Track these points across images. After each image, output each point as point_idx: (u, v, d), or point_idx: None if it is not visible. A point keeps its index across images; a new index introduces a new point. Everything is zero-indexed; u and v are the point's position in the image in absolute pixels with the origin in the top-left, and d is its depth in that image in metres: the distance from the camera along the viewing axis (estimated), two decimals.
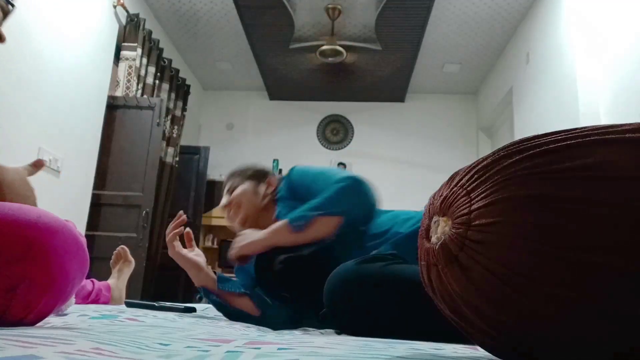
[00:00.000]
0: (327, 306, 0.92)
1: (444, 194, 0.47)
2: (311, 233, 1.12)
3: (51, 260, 0.56)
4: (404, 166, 5.38)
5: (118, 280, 1.90)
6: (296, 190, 1.30)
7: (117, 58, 3.58)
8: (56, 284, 0.57)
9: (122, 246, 2.04)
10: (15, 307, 0.55)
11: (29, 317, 0.57)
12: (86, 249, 0.64)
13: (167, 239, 1.25)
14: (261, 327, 0.93)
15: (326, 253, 1.14)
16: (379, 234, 1.14)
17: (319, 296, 1.14)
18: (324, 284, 1.10)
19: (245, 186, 1.38)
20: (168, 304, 1.28)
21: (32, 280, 0.55)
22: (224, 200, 1.40)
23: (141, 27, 3.63)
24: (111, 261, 2.00)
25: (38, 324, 0.64)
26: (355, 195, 1.14)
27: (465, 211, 0.43)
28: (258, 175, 1.41)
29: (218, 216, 5.19)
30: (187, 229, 1.27)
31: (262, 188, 1.39)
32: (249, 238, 1.18)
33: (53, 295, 0.58)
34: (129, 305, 1.29)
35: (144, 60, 3.67)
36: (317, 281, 1.14)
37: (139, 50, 3.58)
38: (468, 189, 0.44)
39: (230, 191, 1.40)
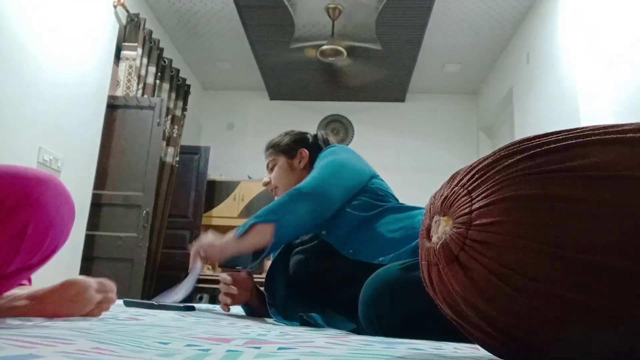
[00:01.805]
0: (365, 310, 0.88)
1: (445, 194, 0.47)
2: (249, 240, 1.14)
3: (47, 205, 0.62)
4: (405, 166, 5.38)
5: None
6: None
7: (118, 58, 3.58)
8: (55, 226, 0.64)
9: None
10: (25, 250, 0.61)
11: (34, 258, 0.64)
12: (71, 196, 0.70)
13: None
14: (262, 326, 0.93)
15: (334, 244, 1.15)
16: (400, 229, 1.13)
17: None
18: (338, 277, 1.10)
19: (280, 163, 1.39)
20: (167, 303, 1.28)
21: (35, 224, 0.61)
22: (265, 178, 1.42)
23: (141, 27, 3.63)
24: None
25: (38, 324, 0.65)
26: (294, 205, 1.16)
27: (466, 211, 0.43)
28: (290, 149, 1.41)
29: (218, 216, 5.19)
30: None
31: (297, 161, 1.39)
32: (212, 244, 1.19)
33: (54, 237, 0.65)
34: (128, 304, 1.29)
35: (144, 60, 3.67)
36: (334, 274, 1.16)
37: (139, 50, 3.58)
38: (469, 188, 0.44)
39: (270, 168, 1.41)
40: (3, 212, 0.59)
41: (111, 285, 0.83)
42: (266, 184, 1.42)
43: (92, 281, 0.79)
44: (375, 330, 0.85)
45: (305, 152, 1.41)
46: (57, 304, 0.72)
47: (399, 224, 1.13)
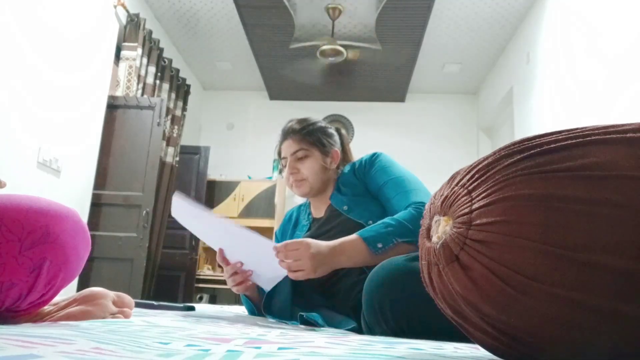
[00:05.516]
0: (368, 300, 0.88)
1: (445, 194, 0.47)
2: (389, 256, 1.05)
3: (65, 243, 0.65)
4: (404, 166, 5.37)
5: None
6: (369, 179, 1.26)
7: (118, 58, 3.58)
8: (70, 262, 0.66)
9: None
10: (40, 284, 0.63)
11: (49, 292, 0.66)
12: (88, 231, 0.72)
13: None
14: (262, 326, 0.92)
15: None
16: None
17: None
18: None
19: (316, 157, 1.30)
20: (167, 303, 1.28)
21: (52, 261, 0.63)
22: (290, 163, 1.29)
23: (141, 27, 3.63)
24: None
25: (38, 323, 0.66)
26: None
27: (466, 210, 0.43)
28: (327, 146, 1.33)
29: None
30: None
31: (328, 161, 1.33)
32: (318, 257, 1.04)
33: (67, 272, 0.67)
34: None
35: (144, 60, 3.67)
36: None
37: (139, 50, 3.58)
38: (469, 188, 0.44)
39: (299, 158, 1.30)
40: (23, 248, 0.61)
41: (130, 301, 0.83)
42: (295, 173, 1.28)
43: (110, 292, 0.81)
44: (377, 320, 0.85)
45: (337, 153, 1.35)
46: (76, 310, 0.74)
47: None
